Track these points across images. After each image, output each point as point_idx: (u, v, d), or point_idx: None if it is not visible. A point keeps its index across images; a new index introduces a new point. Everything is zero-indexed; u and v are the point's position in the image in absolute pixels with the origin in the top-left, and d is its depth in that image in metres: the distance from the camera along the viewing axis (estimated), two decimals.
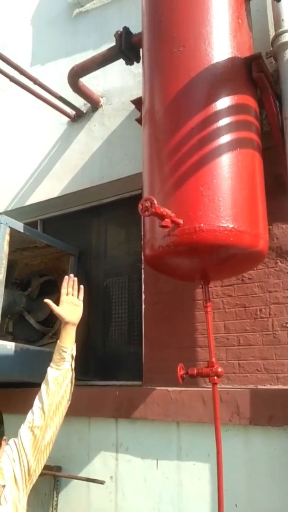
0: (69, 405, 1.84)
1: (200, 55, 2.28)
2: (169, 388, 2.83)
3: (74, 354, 1.88)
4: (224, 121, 2.23)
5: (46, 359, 3.38)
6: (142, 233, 2.41)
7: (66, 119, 3.90)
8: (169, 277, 2.76)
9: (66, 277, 1.99)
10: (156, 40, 2.47)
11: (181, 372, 2.31)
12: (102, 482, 2.90)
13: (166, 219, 1.99)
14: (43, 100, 3.60)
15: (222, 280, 2.92)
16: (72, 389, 1.84)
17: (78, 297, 1.97)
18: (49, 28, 4.36)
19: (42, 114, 4.07)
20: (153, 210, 1.87)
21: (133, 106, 3.19)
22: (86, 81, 3.61)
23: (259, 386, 2.66)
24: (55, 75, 4.03)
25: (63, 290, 1.96)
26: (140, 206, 1.91)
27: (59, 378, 1.80)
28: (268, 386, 2.64)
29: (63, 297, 1.94)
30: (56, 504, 3.13)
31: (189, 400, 2.74)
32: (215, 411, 2.22)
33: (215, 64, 2.27)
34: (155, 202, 1.88)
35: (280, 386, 2.60)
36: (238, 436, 2.58)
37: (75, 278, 1.98)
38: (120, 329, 3.66)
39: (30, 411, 1.77)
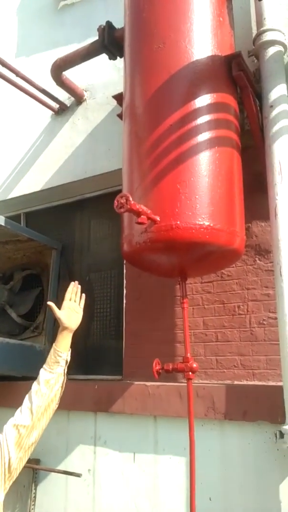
0: None
1: (180, 52, 2.28)
2: (147, 383, 2.86)
3: (69, 360, 1.90)
4: (203, 119, 2.23)
5: (27, 353, 3.43)
6: (121, 229, 2.42)
7: (50, 112, 3.88)
8: (145, 272, 2.77)
9: (72, 283, 2.01)
10: (137, 36, 2.46)
11: (157, 367, 2.33)
12: (78, 475, 2.93)
13: (142, 216, 2.00)
14: (26, 93, 3.57)
15: (202, 277, 2.95)
16: (62, 394, 1.85)
17: (79, 304, 1.98)
18: (35, 20, 4.32)
19: (26, 106, 4.03)
20: (128, 206, 1.88)
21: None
22: (70, 74, 3.59)
23: (236, 382, 2.70)
24: (40, 68, 3.99)
25: (67, 295, 1.97)
26: (115, 202, 1.92)
27: (51, 382, 1.81)
28: (245, 382, 2.68)
29: (66, 302, 1.96)
30: (35, 497, 3.16)
31: (166, 395, 2.77)
32: (189, 406, 2.25)
33: (195, 62, 2.27)
34: (131, 198, 1.89)
35: (256, 382, 2.64)
36: (214, 430, 2.62)
37: (79, 286, 2.00)
38: (102, 324, 3.67)
39: (18, 409, 1.77)
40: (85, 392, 3.12)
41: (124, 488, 2.86)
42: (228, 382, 2.71)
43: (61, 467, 3.11)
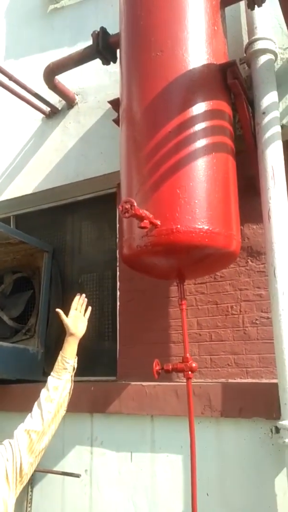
0: None
1: (177, 60, 2.34)
2: (144, 383, 2.91)
3: (75, 366, 1.97)
4: (200, 126, 2.30)
5: (20, 356, 3.44)
6: (119, 232, 2.46)
7: (41, 115, 3.88)
8: (144, 275, 2.82)
9: (78, 295, 2.16)
10: (134, 43, 2.51)
11: (157, 368, 2.39)
12: (78, 476, 2.95)
13: (145, 220, 2.05)
14: (18, 96, 3.57)
15: (195, 278, 3.02)
16: (69, 399, 1.92)
17: (84, 315, 2.12)
18: (24, 23, 4.31)
19: (16, 109, 4.03)
20: (133, 212, 1.93)
21: (108, 105, 3.21)
22: (61, 78, 3.61)
23: (230, 380, 2.78)
24: (29, 71, 4.00)
25: (73, 305, 2.12)
26: (120, 207, 1.96)
27: (59, 388, 1.88)
28: (238, 380, 2.76)
29: (72, 311, 2.10)
30: (31, 499, 3.17)
31: (163, 394, 2.83)
32: (189, 404, 2.31)
33: (192, 70, 2.33)
34: (135, 204, 1.94)
35: (250, 380, 2.73)
36: (210, 428, 2.69)
37: (86, 299, 2.16)
38: (94, 326, 3.70)
39: (28, 415, 1.83)
40: (81, 393, 3.13)
41: (121, 487, 2.90)
42: (223, 380, 2.79)
43: (58, 468, 3.12)
